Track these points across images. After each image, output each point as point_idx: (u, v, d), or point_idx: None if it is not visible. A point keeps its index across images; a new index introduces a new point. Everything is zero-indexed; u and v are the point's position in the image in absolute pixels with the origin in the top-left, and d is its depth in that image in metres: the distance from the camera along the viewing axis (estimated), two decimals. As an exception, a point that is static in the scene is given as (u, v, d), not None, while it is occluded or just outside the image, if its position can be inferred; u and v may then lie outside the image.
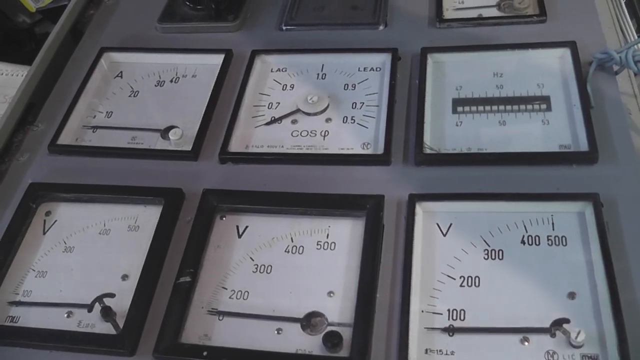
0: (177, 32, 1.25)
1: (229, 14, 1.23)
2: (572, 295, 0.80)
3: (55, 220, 0.98)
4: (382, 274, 0.85)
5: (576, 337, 0.74)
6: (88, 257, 0.93)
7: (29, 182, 1.02)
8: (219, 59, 1.15)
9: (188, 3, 1.26)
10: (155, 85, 1.15)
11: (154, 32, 1.26)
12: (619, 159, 0.91)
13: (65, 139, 1.08)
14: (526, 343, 0.77)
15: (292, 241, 0.91)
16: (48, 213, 0.99)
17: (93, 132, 1.09)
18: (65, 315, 0.88)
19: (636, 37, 1.13)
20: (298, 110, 1.06)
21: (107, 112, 1.12)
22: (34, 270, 0.93)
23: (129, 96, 1.14)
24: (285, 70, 1.13)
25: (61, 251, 0.95)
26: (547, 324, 0.77)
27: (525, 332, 0.77)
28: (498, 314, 0.80)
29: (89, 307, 0.87)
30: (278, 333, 0.82)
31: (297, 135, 1.03)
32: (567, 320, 0.77)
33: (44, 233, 0.97)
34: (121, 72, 1.18)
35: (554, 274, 0.82)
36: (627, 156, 0.92)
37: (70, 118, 1.10)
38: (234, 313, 0.85)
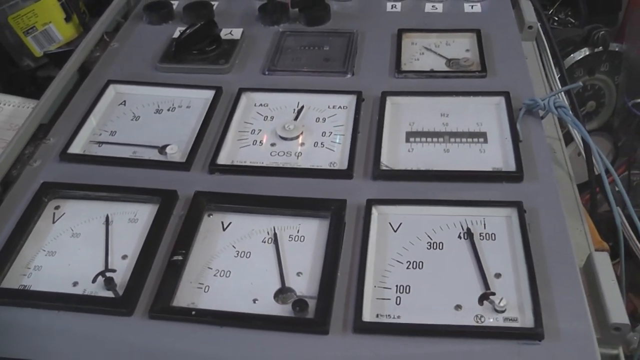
0: (175, 72, 1.41)
1: (220, 59, 1.42)
2: (498, 276, 0.95)
3: (64, 213, 1.11)
4: (342, 260, 0.99)
5: (499, 303, 0.90)
6: (92, 241, 1.06)
7: (41, 182, 1.15)
8: (210, 94, 1.32)
9: (186, 48, 1.43)
10: (154, 113, 1.31)
11: (154, 72, 1.42)
12: (539, 179, 1.09)
13: (74, 150, 1.22)
14: (459, 310, 0.92)
15: (268, 234, 1.05)
16: (57, 207, 1.12)
17: (99, 146, 1.24)
18: (72, 284, 0.99)
19: (560, 87, 1.36)
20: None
21: (111, 131, 1.27)
22: (44, 251, 1.05)
23: (131, 120, 1.30)
24: (267, 106, 1.30)
25: (69, 236, 1.07)
26: (477, 296, 0.93)
27: (458, 301, 0.93)
28: (437, 288, 0.95)
29: (93, 279, 1.00)
30: (254, 302, 0.95)
31: (275, 155, 1.19)
32: (493, 294, 0.92)
33: (54, 222, 1.10)
34: (124, 100, 1.34)
35: (485, 259, 0.97)
36: (545, 177, 1.10)
37: (79, 134, 1.24)
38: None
